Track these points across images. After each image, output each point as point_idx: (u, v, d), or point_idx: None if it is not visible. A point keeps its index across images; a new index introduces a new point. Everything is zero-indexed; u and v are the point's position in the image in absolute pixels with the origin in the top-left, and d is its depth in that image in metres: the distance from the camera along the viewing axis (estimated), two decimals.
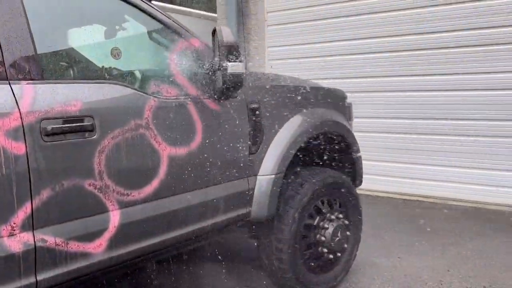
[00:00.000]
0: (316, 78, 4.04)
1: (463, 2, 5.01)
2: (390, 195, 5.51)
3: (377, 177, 5.35)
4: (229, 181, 2.38)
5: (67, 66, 2.28)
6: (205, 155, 2.24)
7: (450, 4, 5.07)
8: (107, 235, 1.87)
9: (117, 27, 2.55)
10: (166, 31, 2.26)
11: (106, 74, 2.31)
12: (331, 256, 2.83)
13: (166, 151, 2.07)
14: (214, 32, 2.16)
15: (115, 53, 2.23)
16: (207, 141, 2.24)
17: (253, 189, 2.50)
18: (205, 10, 8.97)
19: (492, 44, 4.88)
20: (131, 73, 2.40)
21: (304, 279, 2.75)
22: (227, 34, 2.07)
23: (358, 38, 5.74)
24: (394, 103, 5.53)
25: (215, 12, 7.21)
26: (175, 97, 2.15)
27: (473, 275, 3.19)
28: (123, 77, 2.34)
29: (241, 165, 2.44)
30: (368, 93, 5.59)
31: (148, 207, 2.02)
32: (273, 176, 2.54)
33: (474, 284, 3.05)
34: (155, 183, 2.04)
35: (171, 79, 2.18)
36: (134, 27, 2.41)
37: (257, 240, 2.79)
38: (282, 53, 6.47)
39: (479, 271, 3.26)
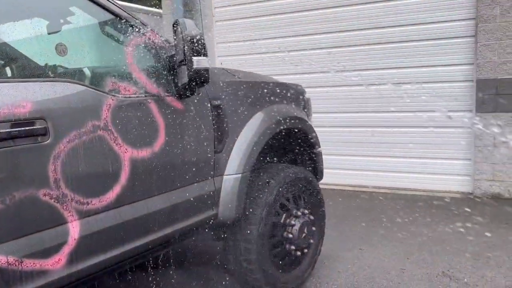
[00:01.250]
0: (268, 75, 4.01)
1: None
2: (345, 188, 5.63)
3: (333, 171, 5.43)
4: (195, 182, 2.26)
5: (4, 64, 2.05)
6: (169, 157, 2.11)
7: None
8: (66, 249, 1.69)
9: (61, 20, 2.33)
10: (120, 25, 2.09)
11: (50, 72, 2.10)
12: (298, 252, 2.80)
13: (127, 154, 1.92)
14: (175, 24, 2.02)
15: (60, 49, 2.03)
16: (171, 141, 2.11)
17: (219, 189, 2.40)
18: (147, 6, 8.64)
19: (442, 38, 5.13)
20: (81, 71, 2.21)
21: (272, 278, 2.70)
22: (191, 27, 1.94)
23: (307, 34, 5.81)
24: (343, 97, 5.67)
25: (160, 8, 6.95)
26: (135, 96, 1.99)
27: (431, 261, 3.31)
28: (73, 75, 2.15)
29: (207, 165, 2.33)
30: (320, 88, 5.67)
31: (111, 216, 1.85)
32: (240, 175, 2.46)
33: (432, 270, 3.16)
34: (117, 189, 1.88)
35: (128, 76, 2.02)
36: (84, 20, 2.21)
37: (223, 242, 2.69)
38: (232, 49, 6.38)
39: (436, 256, 3.39)
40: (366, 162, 5.62)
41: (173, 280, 3.01)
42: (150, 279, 3.07)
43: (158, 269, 3.07)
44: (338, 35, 5.64)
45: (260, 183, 2.66)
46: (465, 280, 3.00)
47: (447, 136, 5.24)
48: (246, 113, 2.58)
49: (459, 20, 5.05)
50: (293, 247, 2.76)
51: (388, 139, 5.47)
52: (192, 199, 2.22)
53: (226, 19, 6.37)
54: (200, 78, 1.98)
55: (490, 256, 3.37)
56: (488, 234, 3.83)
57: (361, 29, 5.49)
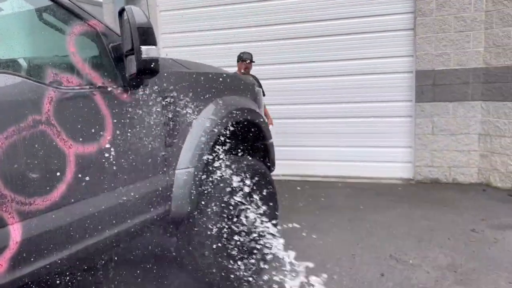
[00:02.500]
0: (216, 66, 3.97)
1: None
2: (295, 178, 5.71)
3: (284, 162, 5.49)
4: (146, 178, 2.17)
5: None
6: (118, 151, 2.00)
7: None
8: (7, 254, 1.55)
9: None
10: (60, 12, 1.94)
11: None
12: (253, 244, 2.80)
13: (72, 149, 1.80)
14: (121, 12, 1.91)
15: None
16: (119, 135, 2.01)
17: (172, 184, 2.33)
18: None
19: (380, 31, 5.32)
20: (15, 61, 2.03)
21: (228, 271, 2.68)
22: (139, 15, 1.84)
23: (254, 26, 5.80)
24: (291, 89, 5.74)
25: None
26: (78, 88, 1.87)
27: (379, 246, 3.45)
28: (6, 66, 1.98)
29: (158, 159, 2.25)
30: (269, 80, 5.69)
31: (57, 216, 1.73)
32: (192, 169, 2.40)
33: (381, 254, 3.30)
34: (62, 188, 1.76)
35: (71, 67, 1.89)
36: (17, 5, 2.03)
37: (177, 237, 2.62)
38: (177, 40, 6.24)
39: (384, 241, 3.54)
40: (314, 152, 5.75)
41: (125, 278, 2.90)
42: (101, 278, 2.93)
43: (110, 268, 2.94)
44: (283, 27, 5.69)
45: (213, 176, 2.62)
46: (411, 261, 3.15)
47: (390, 125, 5.48)
48: (197, 105, 2.52)
49: (399, 13, 5.27)
50: (247, 239, 2.75)
51: (334, 130, 5.63)
52: (143, 195, 2.13)
53: (171, 9, 6.20)
54: (150, 69, 1.89)
55: (432, 237, 3.58)
56: (429, 217, 4.06)
57: (307, 21, 5.58)
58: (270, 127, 3.46)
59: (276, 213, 3.16)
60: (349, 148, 5.53)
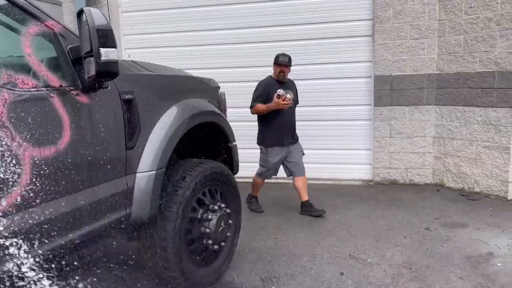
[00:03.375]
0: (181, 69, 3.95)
1: None
2: None
3: (248, 164, 5.51)
4: (105, 181, 2.14)
5: None
6: (76, 155, 1.96)
7: None
8: None
9: None
10: (15, 11, 1.89)
11: None
12: (216, 246, 2.81)
13: (28, 153, 1.75)
14: (80, 14, 1.88)
15: None
16: (77, 138, 1.97)
17: (132, 188, 2.30)
18: None
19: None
20: None
21: (190, 274, 2.68)
22: (98, 17, 1.82)
23: (215, 29, 5.81)
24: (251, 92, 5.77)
25: None
26: (34, 89, 1.82)
27: (339, 245, 3.55)
28: None
29: (118, 163, 2.22)
30: (233, 83, 5.72)
31: (11, 221, 1.68)
32: (154, 172, 2.38)
33: (340, 253, 3.40)
34: (17, 193, 1.71)
35: (27, 69, 1.84)
36: None
37: (138, 241, 2.59)
38: (141, 42, 6.15)
39: (343, 241, 3.64)
40: None
41: (85, 285, 2.83)
42: (59, 285, 2.84)
43: (68, 274, 2.86)
44: (248, 31, 5.73)
45: (176, 179, 2.61)
46: (369, 260, 3.27)
47: (351, 128, 5.64)
48: (159, 107, 2.51)
49: (359, 20, 5.44)
50: (210, 242, 2.76)
51: (298, 132, 5.70)
52: (102, 199, 2.10)
53: (134, 10, 6.11)
54: (109, 71, 1.87)
55: (389, 236, 3.72)
56: (387, 217, 4.22)
57: (270, 26, 5.66)
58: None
59: (239, 215, 3.19)
60: (311, 150, 5.60)
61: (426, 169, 5.39)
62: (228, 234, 2.96)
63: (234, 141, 3.28)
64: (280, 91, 4.06)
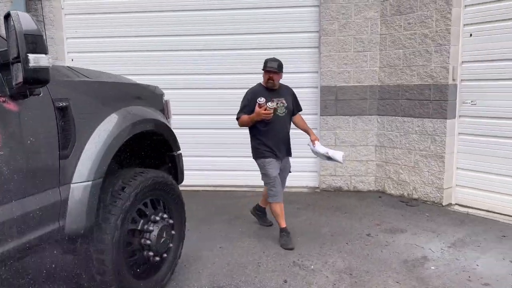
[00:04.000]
0: (123, 74, 3.85)
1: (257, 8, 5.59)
2: (205, 188, 5.72)
3: (194, 172, 5.47)
4: (35, 193, 2.03)
5: None
6: (3, 165, 1.85)
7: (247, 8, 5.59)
8: None
9: None
10: None
11: None
12: (157, 258, 2.74)
13: None
14: (7, 17, 1.78)
15: None
16: (5, 147, 1.86)
17: (66, 199, 2.20)
18: None
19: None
20: None
21: (130, 287, 2.59)
22: (26, 21, 1.73)
23: (162, 35, 5.75)
24: (199, 100, 5.77)
25: None
26: None
27: (283, 253, 3.59)
28: None
29: (50, 173, 2.11)
30: (178, 90, 5.66)
31: None
32: (90, 182, 2.29)
33: (285, 261, 3.43)
34: None
35: None
36: None
37: (73, 254, 2.48)
38: (84, 46, 5.94)
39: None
40: (225, 163, 5.82)
41: None
42: None
43: None
44: (195, 38, 5.71)
45: (115, 189, 2.52)
46: (312, 267, 3.32)
47: (298, 136, 5.72)
48: (97, 115, 2.42)
49: (306, 31, 5.59)
50: (151, 253, 2.69)
51: (245, 140, 5.73)
52: (31, 212, 1.99)
53: (78, 13, 5.89)
54: (38, 78, 1.78)
55: (333, 242, 3.81)
56: (331, 223, 4.32)
57: (218, 34, 5.68)
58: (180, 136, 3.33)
59: (183, 225, 3.14)
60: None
61: (369, 176, 5.60)
62: (171, 245, 2.90)
63: (179, 149, 3.23)
64: (261, 100, 3.64)
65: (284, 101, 3.92)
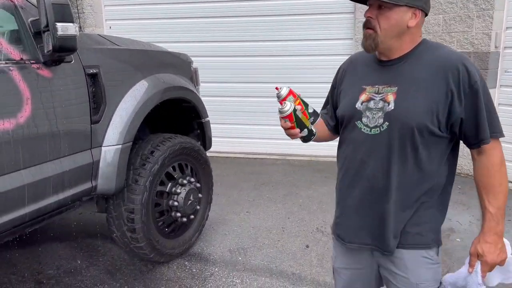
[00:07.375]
0: (158, 42, 3.92)
1: None
2: (236, 155, 5.82)
3: (224, 139, 5.58)
4: (69, 154, 2.18)
5: None
6: (38, 128, 2.00)
7: None
8: None
9: None
10: None
11: None
12: (184, 219, 2.89)
13: None
14: None
15: None
16: (39, 112, 2.00)
17: (98, 161, 2.35)
18: None
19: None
20: None
21: (159, 245, 2.76)
22: None
23: (195, 2, 5.73)
24: (233, 68, 5.78)
25: None
26: None
27: (308, 219, 3.66)
28: None
29: (82, 136, 2.26)
30: (210, 58, 5.70)
31: None
32: (120, 146, 2.43)
33: (308, 227, 3.50)
34: None
35: None
36: None
37: (106, 213, 2.66)
38: (122, 13, 6.04)
39: (312, 215, 3.75)
40: (255, 131, 5.87)
41: (57, 253, 2.92)
42: (31, 253, 2.93)
43: (38, 243, 2.94)
44: (225, 5, 5.66)
45: (144, 153, 2.66)
46: None
47: None
48: (126, 82, 2.53)
49: None
50: (179, 214, 2.84)
51: (275, 109, 5.75)
52: (66, 172, 2.15)
53: None
54: (65, 46, 1.88)
55: None
56: None
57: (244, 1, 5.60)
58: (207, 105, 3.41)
59: (210, 189, 3.26)
60: None
61: None
62: (198, 207, 3.03)
63: (207, 116, 3.31)
64: (278, 94, 1.52)
65: (390, 97, 1.39)
